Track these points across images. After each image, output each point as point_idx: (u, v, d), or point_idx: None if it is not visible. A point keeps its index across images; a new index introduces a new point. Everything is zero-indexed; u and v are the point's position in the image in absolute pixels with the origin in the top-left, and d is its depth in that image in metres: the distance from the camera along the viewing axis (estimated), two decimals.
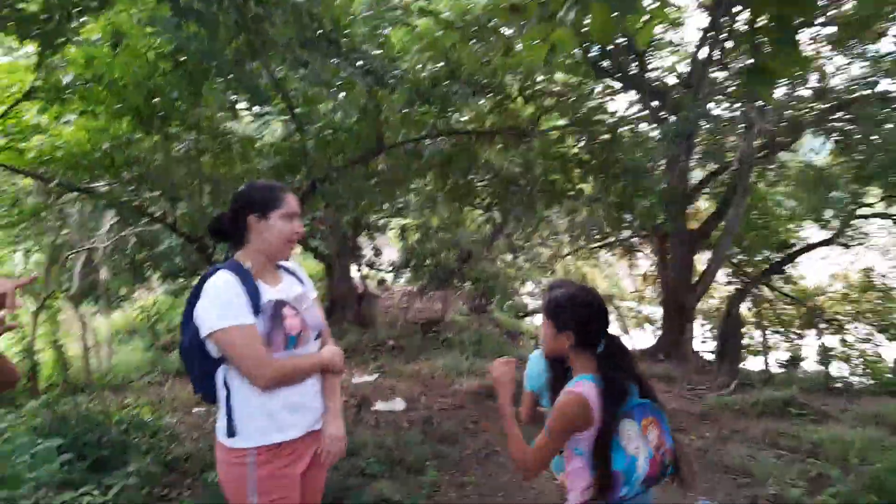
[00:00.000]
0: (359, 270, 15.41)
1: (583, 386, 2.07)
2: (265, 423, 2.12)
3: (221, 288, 2.08)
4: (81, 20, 4.31)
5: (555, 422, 2.06)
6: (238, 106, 6.06)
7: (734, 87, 8.67)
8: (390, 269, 16.57)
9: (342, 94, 5.73)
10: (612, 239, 15.04)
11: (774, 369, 13.22)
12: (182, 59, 4.36)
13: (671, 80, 10.74)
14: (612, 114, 8.33)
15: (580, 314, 2.15)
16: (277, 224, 2.19)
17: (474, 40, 5.32)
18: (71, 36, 4.05)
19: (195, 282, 2.23)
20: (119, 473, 4.02)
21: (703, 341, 15.83)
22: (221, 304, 2.05)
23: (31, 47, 4.81)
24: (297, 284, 2.33)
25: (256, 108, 8.68)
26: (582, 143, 7.00)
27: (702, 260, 15.74)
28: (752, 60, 1.52)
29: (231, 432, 2.11)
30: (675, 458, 2.16)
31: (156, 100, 4.99)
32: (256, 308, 2.09)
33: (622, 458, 2.01)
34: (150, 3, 4.46)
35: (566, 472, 2.18)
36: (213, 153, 6.09)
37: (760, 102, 7.99)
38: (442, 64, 5.27)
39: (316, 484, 2.35)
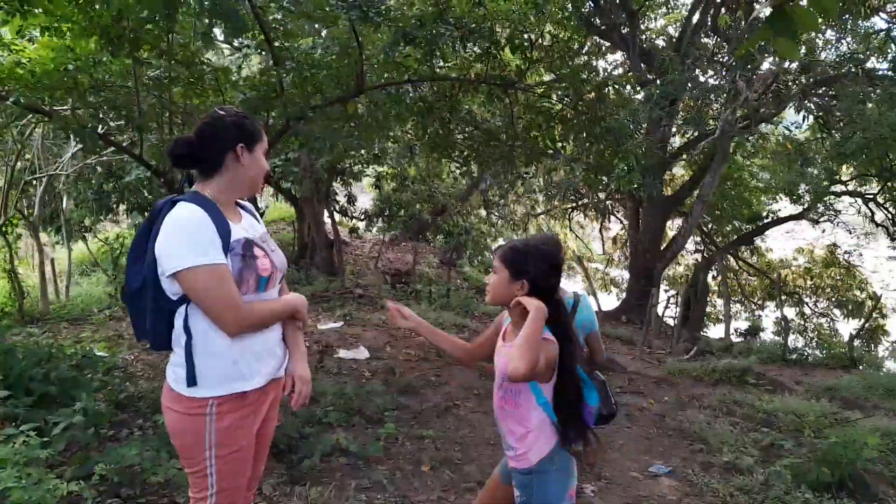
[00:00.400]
0: (331, 216, 15.22)
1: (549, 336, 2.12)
2: (229, 370, 1.97)
3: (190, 222, 1.88)
4: None
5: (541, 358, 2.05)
6: (215, 35, 5.78)
7: (724, 55, 8.57)
8: (363, 217, 16.41)
9: (324, 31, 5.49)
10: (586, 200, 15.04)
11: (735, 339, 13.53)
12: None
13: (661, 42, 10.61)
14: (599, 72, 8.19)
15: (542, 265, 2.16)
16: (260, 158, 2.07)
17: None
18: None
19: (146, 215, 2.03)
20: (66, 411, 3.88)
21: (667, 307, 16.10)
22: (190, 241, 1.86)
23: None
24: (256, 223, 2.19)
25: (235, 42, 8.34)
26: (566, 101, 6.84)
27: (673, 226, 15.94)
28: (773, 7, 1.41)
29: (192, 381, 1.94)
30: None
31: (125, 21, 4.70)
32: (226, 246, 1.92)
33: (595, 397, 2.30)
34: None
35: (522, 434, 2.19)
36: (185, 83, 5.82)
37: (748, 71, 7.92)
38: (431, 3, 5.05)
39: (269, 432, 2.28)
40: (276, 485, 3.83)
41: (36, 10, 4.81)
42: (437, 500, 3.90)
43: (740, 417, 6.17)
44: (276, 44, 5.45)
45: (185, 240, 1.86)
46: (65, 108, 6.25)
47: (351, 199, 15.98)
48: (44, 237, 11.75)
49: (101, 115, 6.02)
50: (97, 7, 4.63)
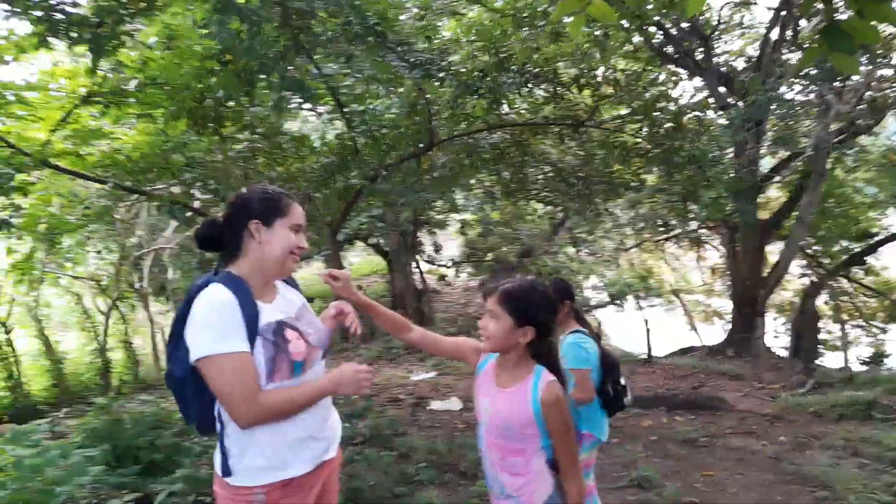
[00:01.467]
0: (418, 266, 15.44)
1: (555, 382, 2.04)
2: (269, 460, 1.87)
3: (214, 306, 1.79)
4: (133, 24, 4.37)
5: (567, 420, 2.01)
6: (291, 104, 6.07)
7: (808, 68, 8.15)
8: (450, 264, 16.55)
9: (392, 89, 5.64)
10: (678, 231, 14.49)
11: (856, 367, 12.45)
12: (228, 58, 4.34)
13: (740, 63, 10.24)
14: (676, 100, 7.98)
15: (548, 310, 2.06)
16: (280, 234, 1.93)
17: (525, 29, 5.12)
18: (122, 40, 4.10)
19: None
20: (167, 479, 4.00)
21: (776, 336, 15.09)
22: (212, 327, 1.77)
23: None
24: (292, 294, 2.10)
25: (318, 108, 8.74)
26: (644, 132, 6.68)
27: (773, 251, 15.03)
28: (828, 21, 1.30)
29: (226, 471, 1.87)
30: None
31: (207, 101, 5.03)
32: (254, 331, 1.82)
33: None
34: (204, 4, 4.47)
35: (524, 483, 2.06)
36: (267, 153, 6.12)
37: (837, 83, 7.47)
38: (492, 53, 5.10)
39: None
40: None
41: (130, 101, 5.24)
42: None
43: (868, 458, 5.59)
44: (348, 108, 5.65)
45: (208, 326, 1.78)
46: (162, 186, 6.70)
47: (437, 248, 16.17)
48: (155, 307, 12.55)
49: (191, 191, 6.40)
50: (182, 92, 4.97)
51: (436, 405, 7.74)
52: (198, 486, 4.07)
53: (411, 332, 2.37)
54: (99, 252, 10.71)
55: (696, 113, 7.02)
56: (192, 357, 1.78)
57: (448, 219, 15.16)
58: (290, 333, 1.91)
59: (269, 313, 1.90)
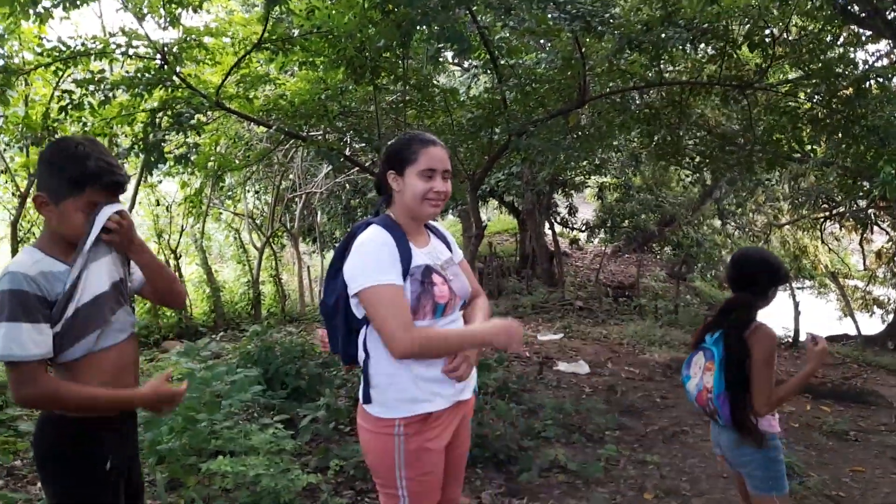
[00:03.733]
0: (551, 228, 15.25)
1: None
2: (411, 392, 1.96)
3: (375, 244, 1.93)
4: None
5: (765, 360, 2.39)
6: (444, 57, 6.10)
7: None
8: (584, 228, 16.19)
9: (548, 45, 5.51)
10: (842, 209, 13.21)
11: None
12: (390, 7, 4.42)
13: None
14: (858, 65, 7.18)
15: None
16: (410, 181, 1.99)
17: None
18: None
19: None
20: (311, 406, 4.29)
21: None
22: (373, 261, 1.90)
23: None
24: (443, 248, 2.18)
25: (467, 62, 8.70)
26: (817, 99, 6.07)
27: None
28: None
29: (367, 398, 1.98)
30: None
31: (366, 51, 5.16)
32: (406, 270, 1.93)
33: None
34: None
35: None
36: (418, 105, 6.22)
37: None
38: (659, 6, 4.80)
39: (462, 453, 2.24)
40: (494, 495, 3.87)
41: (295, 48, 5.50)
42: None
43: None
44: (501, 62, 5.59)
45: (368, 261, 1.90)
46: (318, 133, 7.03)
47: (572, 211, 15.86)
48: (302, 247, 13.37)
49: (346, 139, 6.66)
50: (343, 41, 5.14)
51: (563, 366, 7.71)
52: (337, 414, 4.36)
53: None
54: (257, 192, 11.51)
55: (881, 78, 6.27)
56: (353, 289, 1.92)
57: (586, 181, 14.75)
58: (436, 277, 2.01)
59: (419, 257, 2.01)
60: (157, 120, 5.43)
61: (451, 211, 13.45)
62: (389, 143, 2.15)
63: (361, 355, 2.01)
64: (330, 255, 14.65)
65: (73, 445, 1.78)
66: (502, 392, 5.66)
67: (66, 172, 1.72)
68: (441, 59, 5.97)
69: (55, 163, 1.73)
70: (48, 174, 1.74)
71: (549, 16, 4.52)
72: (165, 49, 5.07)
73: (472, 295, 2.22)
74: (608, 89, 6.06)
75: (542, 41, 6.34)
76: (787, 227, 15.63)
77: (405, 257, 1.94)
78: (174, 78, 5.18)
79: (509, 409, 5.09)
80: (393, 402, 1.96)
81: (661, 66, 5.65)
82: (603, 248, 16.69)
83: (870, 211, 13.41)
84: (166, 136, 5.30)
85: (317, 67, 5.84)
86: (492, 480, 4.06)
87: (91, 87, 5.15)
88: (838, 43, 7.00)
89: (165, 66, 5.08)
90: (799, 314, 11.31)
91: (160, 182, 9.21)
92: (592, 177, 13.80)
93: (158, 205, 9.52)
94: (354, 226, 2.08)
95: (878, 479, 4.61)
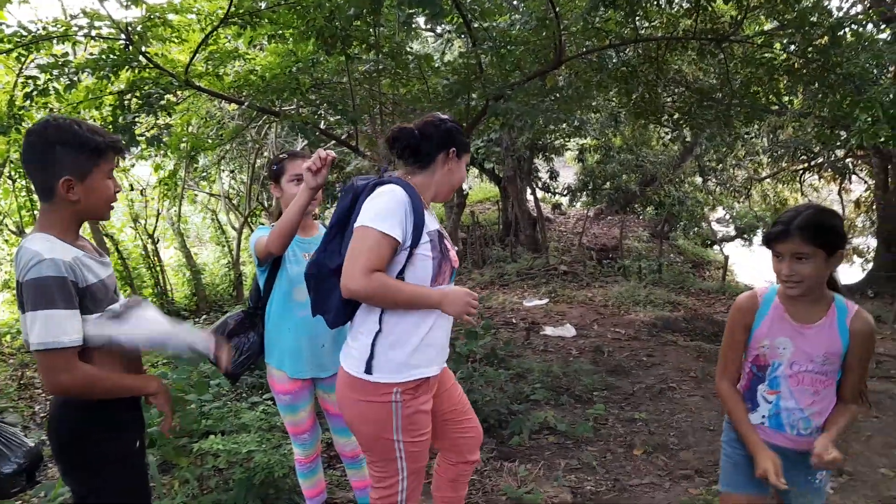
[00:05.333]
0: (533, 193, 15.22)
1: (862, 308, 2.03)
2: (410, 358, 2.06)
3: (396, 199, 1.99)
4: None
5: (870, 350, 2.02)
6: (416, 23, 5.98)
7: None
8: (566, 192, 16.18)
9: (520, 4, 5.42)
10: (820, 160, 13.30)
11: None
12: None
13: None
14: (832, 13, 7.15)
15: (842, 227, 1.98)
16: (460, 168, 2.21)
17: None
18: None
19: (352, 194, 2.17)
20: None
21: None
22: (386, 211, 1.96)
23: None
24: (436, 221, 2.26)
25: (439, 28, 8.53)
26: (792, 49, 6.04)
27: None
28: None
29: (368, 370, 2.04)
30: None
31: (336, 21, 5.04)
32: (419, 233, 2.01)
33: None
34: None
35: (819, 407, 2.05)
36: (392, 74, 6.11)
37: None
38: None
39: (456, 391, 2.44)
40: (486, 459, 3.91)
41: (263, 21, 5.36)
42: (651, 486, 3.72)
43: None
44: (475, 25, 5.49)
45: (381, 209, 1.97)
46: (291, 107, 6.90)
47: (553, 175, 15.83)
48: None
49: (320, 112, 6.54)
50: (312, 11, 5.02)
51: (549, 330, 7.76)
52: None
53: None
54: (232, 171, 11.33)
55: (855, 26, 6.24)
56: (356, 224, 1.99)
57: (566, 144, 14.68)
58: (447, 243, 2.14)
59: (431, 222, 2.11)
60: (126, 102, 5.30)
61: None
62: (448, 120, 2.19)
63: (371, 327, 2.05)
64: None
65: (102, 430, 1.82)
66: (490, 359, 5.70)
67: (86, 146, 1.74)
68: (413, 25, 5.85)
69: (67, 142, 1.72)
70: (65, 155, 1.73)
71: None
72: (129, 28, 4.91)
73: None
74: (584, 49, 5.98)
75: (515, 2, 6.23)
76: (767, 180, 15.72)
77: (418, 221, 2.01)
78: (140, 58, 5.04)
79: (498, 374, 5.13)
80: (392, 367, 2.04)
81: (637, 22, 5.59)
82: (585, 212, 16.72)
83: (847, 160, 13.53)
84: (136, 119, 5.16)
85: (286, 40, 5.71)
86: (483, 445, 4.09)
87: (55, 72, 5.00)
88: None
89: (130, 47, 4.94)
90: None
91: (133, 166, 9.03)
92: (572, 139, 13.74)
93: (132, 189, 9.34)
94: (359, 182, 2.13)
95: (860, 424, 4.72)
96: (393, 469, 2.12)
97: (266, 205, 11.20)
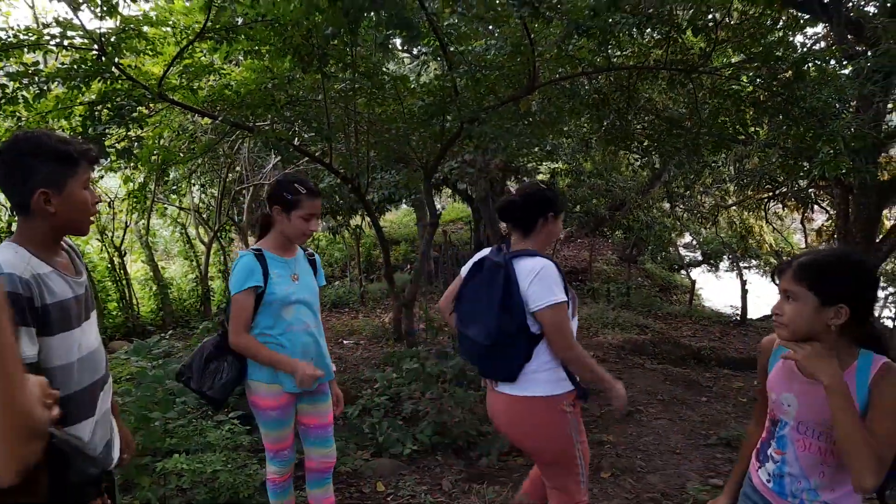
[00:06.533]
0: None
1: (892, 363, 1.69)
2: (559, 374, 2.47)
3: (553, 269, 2.41)
4: None
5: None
6: (393, 44, 6.02)
7: None
8: None
9: (496, 30, 5.50)
10: (784, 189, 13.65)
11: None
12: None
13: (871, 9, 9.33)
14: (797, 48, 7.40)
15: (862, 280, 1.69)
16: (559, 225, 2.66)
17: None
18: None
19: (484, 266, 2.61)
20: None
21: (885, 307, 14.21)
22: (554, 283, 2.37)
23: None
24: None
25: (416, 50, 8.59)
26: (759, 81, 6.24)
27: (890, 216, 13.98)
28: None
29: (537, 389, 2.45)
30: None
31: (313, 39, 5.07)
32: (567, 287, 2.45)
33: None
34: None
35: (829, 481, 1.77)
36: (368, 93, 6.14)
37: None
38: None
39: None
40: (454, 482, 3.90)
41: (240, 37, 5.36)
42: None
43: None
44: (451, 48, 5.56)
45: (550, 282, 2.37)
46: (265, 123, 6.89)
47: None
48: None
49: (295, 129, 6.54)
50: (290, 28, 5.04)
51: None
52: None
53: None
54: (203, 185, 11.21)
55: (818, 61, 6.47)
56: (539, 306, 2.35)
57: (538, 167, 14.85)
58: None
59: None
60: (97, 113, 5.22)
61: (404, 201, 13.38)
62: (541, 188, 2.61)
63: (530, 363, 2.45)
64: None
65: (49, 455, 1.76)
66: (460, 379, 5.69)
67: (58, 156, 1.71)
68: (390, 47, 5.90)
69: (40, 154, 1.69)
70: (38, 166, 1.69)
71: (497, 1, 4.51)
72: (103, 39, 4.87)
73: None
74: (557, 75, 6.10)
75: (490, 27, 6.33)
76: (733, 208, 16.06)
77: (563, 276, 2.46)
78: (113, 69, 4.98)
79: (467, 395, 5.12)
80: (554, 381, 2.45)
81: (609, 51, 5.72)
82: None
83: (810, 190, 13.90)
84: (107, 130, 5.09)
85: (263, 56, 5.71)
86: (452, 467, 4.09)
87: (25, 81, 4.92)
88: (777, 27, 7.19)
89: (103, 57, 4.89)
90: (746, 293, 11.66)
91: (101, 178, 8.88)
92: (544, 163, 13.89)
93: (100, 201, 9.17)
94: (492, 257, 2.54)
95: None
96: (576, 470, 2.55)
97: (236, 220, 11.11)
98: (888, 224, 13.19)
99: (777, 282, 1.78)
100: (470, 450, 4.34)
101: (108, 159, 5.55)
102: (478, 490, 3.80)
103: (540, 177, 16.85)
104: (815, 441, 1.76)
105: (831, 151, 6.01)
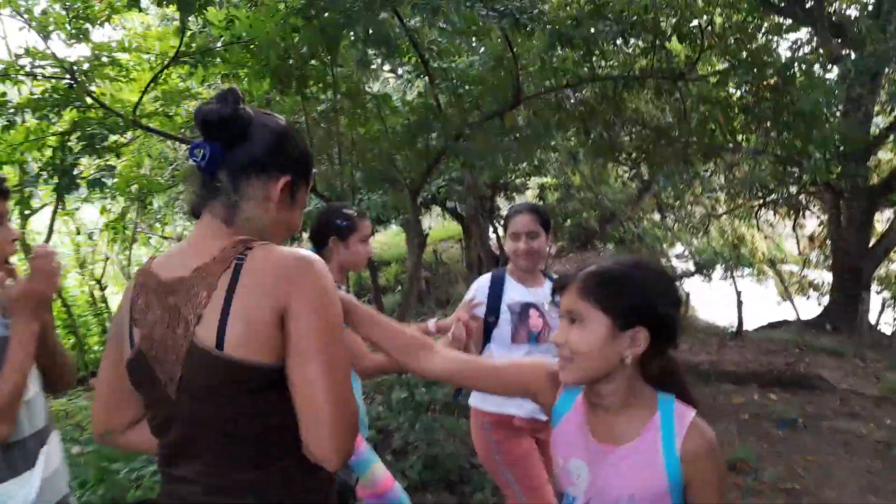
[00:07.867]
0: (496, 232, 15.21)
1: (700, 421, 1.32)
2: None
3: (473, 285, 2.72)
4: None
5: (721, 482, 1.30)
6: (373, 62, 5.91)
7: None
8: None
9: (478, 44, 5.41)
10: (775, 196, 13.62)
11: None
12: (312, 13, 4.22)
13: (854, 12, 9.37)
14: (781, 53, 7.35)
15: (663, 293, 1.28)
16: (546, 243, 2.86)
17: None
18: None
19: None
20: None
21: (881, 312, 14.13)
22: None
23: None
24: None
25: (399, 69, 8.51)
26: (745, 88, 6.17)
27: (882, 219, 13.94)
28: None
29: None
30: None
31: (291, 60, 4.94)
32: (496, 308, 2.63)
33: None
34: None
35: None
36: (350, 113, 6.02)
37: None
38: (587, 1, 4.75)
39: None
40: None
41: (216, 60, 5.23)
42: None
43: None
44: (434, 64, 5.46)
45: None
46: None
47: None
48: None
49: None
50: (266, 50, 4.91)
51: None
52: None
53: (431, 361, 1.46)
54: (186, 213, 11.02)
55: (804, 66, 6.42)
56: None
57: (527, 182, 14.80)
58: (532, 311, 2.75)
59: (524, 295, 2.81)
60: (68, 143, 5.07)
61: (393, 221, 13.25)
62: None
63: None
64: None
65: None
66: (450, 407, 5.48)
67: None
68: (372, 64, 5.78)
69: None
70: None
71: (478, 14, 4.42)
72: (74, 67, 4.73)
73: None
74: (542, 88, 6.00)
75: (472, 41, 6.25)
76: (724, 216, 16.03)
77: (495, 296, 2.73)
78: (86, 97, 4.84)
79: (458, 425, 4.91)
80: (481, 396, 2.71)
81: (594, 61, 5.63)
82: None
83: (801, 196, 13.87)
84: (77, 160, 4.93)
85: (241, 79, 5.58)
86: (444, 502, 3.88)
87: None
88: (761, 33, 7.14)
89: (75, 86, 4.74)
90: (741, 303, 11.54)
91: (78, 209, 8.70)
92: (532, 178, 13.83)
93: (79, 233, 8.98)
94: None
95: (831, 466, 4.64)
96: None
97: None
98: (879, 228, 13.15)
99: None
100: (463, 484, 4.14)
101: (79, 189, 5.37)
102: None
103: (529, 192, 16.81)
104: None
105: (820, 156, 5.92)
